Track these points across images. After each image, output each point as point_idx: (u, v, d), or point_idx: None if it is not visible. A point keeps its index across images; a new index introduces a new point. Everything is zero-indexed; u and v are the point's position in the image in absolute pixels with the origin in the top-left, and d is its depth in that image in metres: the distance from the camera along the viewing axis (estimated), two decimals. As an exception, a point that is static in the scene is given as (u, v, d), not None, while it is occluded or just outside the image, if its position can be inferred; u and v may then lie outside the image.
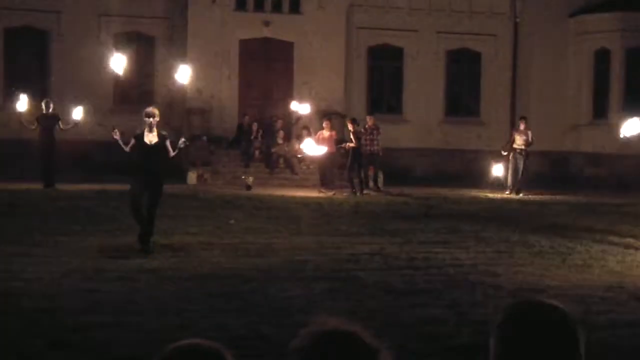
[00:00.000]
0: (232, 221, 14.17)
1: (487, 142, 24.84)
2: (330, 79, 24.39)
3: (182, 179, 21.27)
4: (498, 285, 9.37)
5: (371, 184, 21.01)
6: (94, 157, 22.46)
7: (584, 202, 19.20)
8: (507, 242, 12.80)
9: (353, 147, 20.31)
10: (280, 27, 24.45)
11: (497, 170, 21.48)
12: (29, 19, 23.78)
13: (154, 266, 10.03)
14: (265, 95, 24.67)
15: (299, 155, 21.60)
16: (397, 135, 23.98)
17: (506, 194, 20.50)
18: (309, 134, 20.67)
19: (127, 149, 11.11)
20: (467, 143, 25.52)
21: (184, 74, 14.95)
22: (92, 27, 23.99)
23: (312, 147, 19.50)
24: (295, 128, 22.97)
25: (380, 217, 15.78)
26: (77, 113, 18.78)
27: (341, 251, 11.56)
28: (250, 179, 20.71)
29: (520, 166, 20.79)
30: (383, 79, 26.22)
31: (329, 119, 20.95)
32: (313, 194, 19.90)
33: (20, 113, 18.80)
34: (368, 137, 20.88)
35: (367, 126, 21.06)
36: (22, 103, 18.66)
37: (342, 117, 22.81)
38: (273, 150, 22.66)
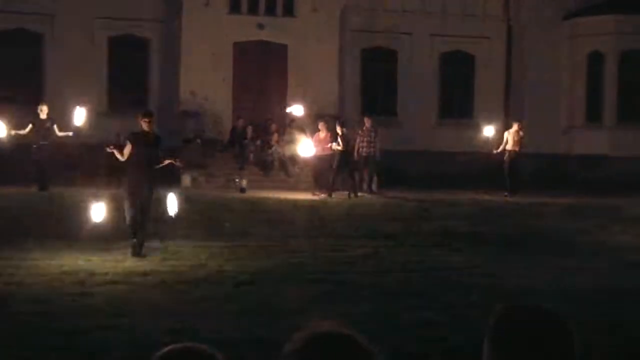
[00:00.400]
0: (226, 224, 14.16)
1: (481, 144, 24.85)
2: (324, 81, 24.40)
3: (176, 181, 21.21)
4: (492, 288, 9.37)
5: (365, 186, 20.96)
6: (87, 160, 22.39)
7: (577, 204, 19.22)
8: (501, 245, 12.81)
9: (340, 150, 20.14)
10: (274, 29, 24.45)
11: (491, 177, 21.36)
12: (22, 22, 23.72)
13: (147, 269, 10.01)
14: (259, 98, 24.66)
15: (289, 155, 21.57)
16: (391, 137, 23.97)
17: (504, 196, 20.43)
18: (306, 135, 20.63)
19: (122, 158, 11.08)
20: (461, 145, 25.54)
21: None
22: (87, 30, 23.95)
23: (308, 149, 19.48)
24: (288, 130, 22.95)
25: (375, 219, 15.77)
26: (79, 116, 18.02)
27: (336, 254, 11.56)
28: (244, 181, 20.68)
29: (515, 168, 20.74)
30: (377, 82, 26.22)
31: (325, 121, 20.92)
32: (307, 196, 19.87)
33: (9, 128, 18.33)
34: (365, 139, 20.82)
35: (364, 128, 21.01)
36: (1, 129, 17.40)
37: (336, 119, 22.80)
38: (267, 152, 22.65)
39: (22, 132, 18.60)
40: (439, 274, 10.27)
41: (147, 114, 11.20)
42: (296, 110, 20.61)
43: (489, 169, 21.87)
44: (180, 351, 1.75)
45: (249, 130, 23.11)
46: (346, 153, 20.23)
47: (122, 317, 7.56)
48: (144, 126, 11.08)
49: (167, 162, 11.33)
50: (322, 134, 20.33)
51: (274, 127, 23.02)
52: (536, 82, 26.27)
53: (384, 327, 7.22)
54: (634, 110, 25.63)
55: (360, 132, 21.00)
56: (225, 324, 7.41)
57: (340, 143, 20.02)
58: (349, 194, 20.05)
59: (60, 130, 18.78)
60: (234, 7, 24.27)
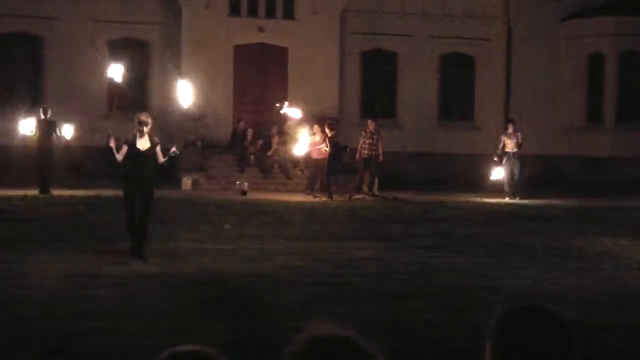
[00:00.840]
0: (227, 226, 14.17)
1: (481, 146, 24.87)
2: (325, 83, 24.43)
3: (177, 184, 21.26)
4: (493, 289, 9.38)
5: (365, 188, 20.97)
6: (88, 162, 22.43)
7: (578, 206, 19.24)
8: (502, 246, 12.82)
9: (328, 153, 20.16)
10: (275, 32, 24.48)
11: (497, 174, 21.29)
12: (23, 25, 23.77)
13: (149, 272, 10.03)
14: (259, 101, 24.69)
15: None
16: (391, 139, 23.99)
17: (506, 200, 20.39)
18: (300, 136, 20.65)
19: (119, 157, 11.12)
20: (461, 147, 25.55)
21: (185, 93, 14.15)
22: (87, 33, 23.99)
23: (301, 148, 19.60)
24: (283, 129, 22.91)
25: (376, 221, 15.79)
26: (67, 131, 18.65)
27: (336, 256, 11.57)
28: (245, 184, 20.71)
29: (516, 170, 20.70)
30: (377, 84, 26.25)
31: (319, 123, 20.94)
32: (308, 199, 19.89)
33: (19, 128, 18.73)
34: (367, 141, 20.83)
35: (367, 130, 21.02)
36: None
37: (337, 121, 22.82)
38: (268, 155, 22.68)
39: (28, 134, 18.64)
40: (440, 276, 10.28)
41: (142, 122, 11.21)
42: (291, 111, 20.62)
43: (489, 170, 21.86)
44: (185, 353, 1.77)
45: (250, 132, 23.14)
46: (334, 156, 20.22)
47: (125, 320, 7.58)
48: (140, 129, 11.13)
49: (165, 159, 11.34)
50: (317, 137, 20.35)
51: (274, 129, 23.04)
52: (536, 83, 26.30)
53: (385, 329, 7.23)
54: (634, 112, 25.66)
55: (363, 133, 21.01)
56: (226, 326, 7.43)
57: (328, 145, 20.02)
58: (349, 196, 20.09)
59: (61, 134, 18.84)
60: (234, 10, 24.31)
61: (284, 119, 21.79)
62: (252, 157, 22.93)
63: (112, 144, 11.28)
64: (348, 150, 21.69)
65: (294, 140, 20.19)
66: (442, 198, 20.16)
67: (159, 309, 8.09)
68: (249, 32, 24.32)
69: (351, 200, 19.77)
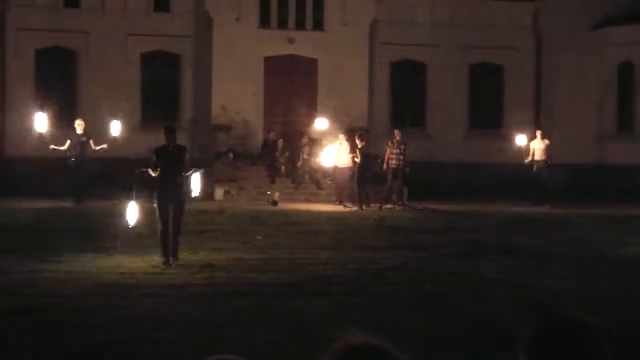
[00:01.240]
0: (259, 237, 14.27)
1: (510, 155, 24.75)
2: (354, 94, 24.50)
3: (209, 195, 21.43)
4: (524, 299, 9.36)
5: (395, 198, 20.98)
6: (122, 174, 22.68)
7: (610, 215, 19.07)
8: (532, 256, 12.78)
9: (359, 163, 20.28)
10: (304, 44, 24.63)
11: (522, 188, 21.22)
12: (58, 40, 24.18)
13: (181, 282, 10.14)
14: (290, 112, 24.84)
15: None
16: (420, 149, 23.99)
17: (535, 208, 20.30)
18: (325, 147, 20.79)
19: (155, 174, 11.34)
20: (490, 157, 25.45)
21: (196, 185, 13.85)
22: (120, 47, 24.33)
23: (329, 159, 19.73)
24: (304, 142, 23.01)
25: (405, 231, 15.80)
26: (115, 128, 18.88)
27: (366, 266, 11.61)
28: (277, 194, 20.83)
29: (545, 178, 20.59)
30: (406, 94, 26.27)
31: (346, 134, 21.04)
32: (338, 209, 19.96)
33: (46, 137, 18.92)
34: (395, 152, 20.87)
35: (394, 140, 21.06)
36: (42, 122, 18.64)
37: (366, 132, 22.88)
38: (298, 165, 22.79)
39: (61, 148, 19.01)
40: (470, 286, 10.28)
41: (168, 128, 11.57)
42: (321, 123, 20.75)
43: (520, 180, 21.78)
44: None
45: (280, 143, 23.26)
46: (364, 166, 20.32)
47: (157, 330, 7.68)
48: (167, 140, 11.41)
49: (189, 173, 11.60)
50: (342, 146, 20.47)
51: (305, 140, 23.15)
52: (566, 92, 26.13)
53: (415, 339, 7.27)
54: (666, 120, 25.41)
55: (390, 144, 21.05)
56: (257, 336, 7.50)
57: (359, 156, 20.16)
58: (380, 206, 20.12)
59: (96, 144, 19.16)
60: (265, 22, 24.50)
61: (314, 129, 21.94)
62: (283, 167, 23.05)
63: (144, 170, 11.52)
64: (379, 160, 21.76)
65: (322, 150, 20.33)
66: (471, 207, 20.11)
67: (191, 319, 8.18)
68: (279, 44, 24.49)
69: (381, 210, 19.81)
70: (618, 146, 25.81)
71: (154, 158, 11.41)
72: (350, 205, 20.15)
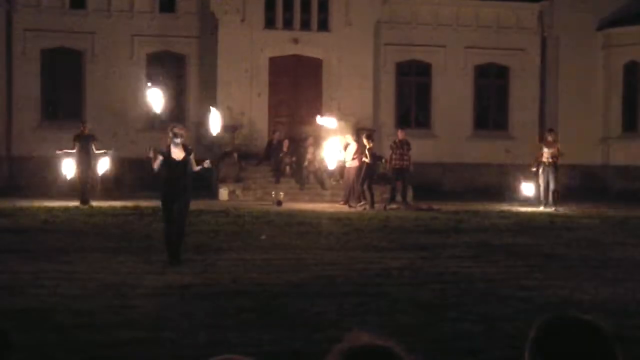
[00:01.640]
0: (263, 237, 14.28)
1: (515, 156, 24.77)
2: (359, 95, 24.51)
3: (214, 195, 21.46)
4: (529, 299, 9.35)
5: (399, 198, 21.00)
6: (127, 174, 22.76)
7: (614, 215, 19.05)
8: (537, 256, 12.76)
9: (366, 163, 20.32)
10: (309, 44, 24.65)
11: (527, 189, 21.24)
12: (64, 40, 24.26)
13: (186, 282, 10.15)
14: (294, 112, 24.86)
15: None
16: (425, 150, 24.00)
17: (541, 209, 20.25)
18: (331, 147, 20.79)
19: (155, 166, 11.39)
20: (495, 157, 25.46)
21: (215, 122, 14.00)
22: (126, 47, 24.39)
23: (332, 161, 19.74)
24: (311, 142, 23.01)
25: (410, 231, 15.80)
26: (103, 165, 19.34)
27: (371, 266, 11.60)
28: (281, 194, 20.86)
29: (552, 180, 20.53)
30: (411, 95, 26.30)
31: (354, 133, 21.06)
32: (343, 209, 19.97)
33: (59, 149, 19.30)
34: (398, 152, 20.87)
35: (397, 140, 21.08)
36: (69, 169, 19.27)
37: (372, 132, 22.91)
38: (303, 165, 22.80)
39: (70, 150, 19.11)
40: (475, 286, 10.27)
41: (177, 135, 11.50)
42: (328, 122, 20.74)
43: (525, 180, 21.75)
44: None
45: (285, 143, 23.29)
46: (372, 166, 20.36)
47: (162, 330, 7.69)
48: (174, 140, 11.40)
49: (198, 168, 11.64)
50: (350, 146, 20.50)
51: (309, 140, 23.16)
52: (571, 93, 26.13)
53: (420, 339, 7.27)
54: (671, 120, 25.38)
55: (392, 144, 21.06)
56: (261, 336, 7.50)
57: (368, 156, 20.20)
58: (384, 206, 20.13)
59: (97, 148, 19.25)
60: (270, 22, 24.53)
61: (318, 129, 21.93)
62: (287, 167, 23.07)
63: (152, 154, 11.54)
64: (383, 160, 21.77)
65: (327, 150, 20.35)
66: (476, 208, 20.10)
67: (195, 319, 8.18)
68: (284, 44, 24.51)
69: (386, 210, 19.81)
70: (623, 146, 25.78)
71: (159, 158, 11.40)
72: (354, 205, 20.16)
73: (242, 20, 24.26)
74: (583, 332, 1.92)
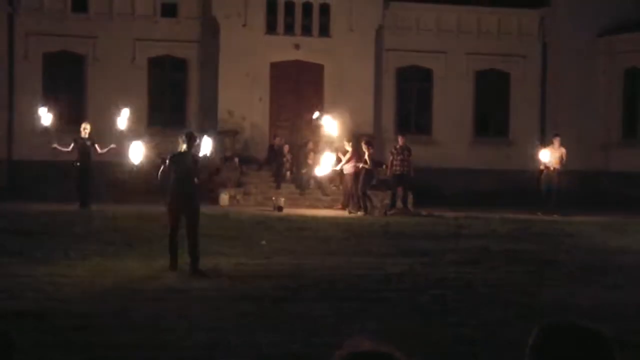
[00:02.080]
0: (263, 242, 14.28)
1: (515, 162, 24.77)
2: (360, 100, 24.53)
3: (214, 200, 21.46)
4: (529, 305, 9.35)
5: (399, 204, 20.99)
6: (128, 178, 22.75)
7: (614, 221, 19.04)
8: (537, 262, 12.76)
9: (366, 169, 20.33)
10: (311, 49, 24.67)
11: (528, 195, 21.21)
12: (66, 44, 24.29)
13: (185, 287, 10.15)
14: (295, 117, 24.88)
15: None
16: (426, 155, 24.01)
17: (539, 215, 20.22)
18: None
19: (158, 175, 11.31)
20: (496, 163, 25.47)
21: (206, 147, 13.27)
22: (127, 51, 24.42)
23: (325, 168, 19.73)
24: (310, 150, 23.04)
25: (410, 237, 15.80)
26: (122, 121, 18.32)
27: (371, 271, 11.60)
28: (281, 200, 20.85)
29: (555, 185, 20.49)
30: (412, 100, 26.31)
31: (349, 140, 21.10)
32: (344, 214, 19.97)
33: (52, 134, 19.04)
34: (398, 158, 20.87)
35: (397, 146, 21.09)
36: (46, 118, 18.85)
37: (372, 138, 22.93)
38: (304, 171, 22.81)
39: (64, 148, 19.06)
40: (475, 292, 10.27)
41: (192, 138, 11.45)
42: (325, 122, 20.74)
43: (525, 186, 21.75)
44: None
45: (286, 148, 23.30)
46: (371, 172, 20.38)
47: (162, 334, 7.69)
48: (188, 145, 11.32)
49: (206, 175, 11.59)
50: (346, 152, 20.57)
51: (310, 145, 23.18)
52: (571, 99, 26.12)
53: (420, 345, 7.27)
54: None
55: (393, 150, 21.06)
56: (261, 340, 7.50)
57: (368, 162, 20.22)
58: (384, 212, 20.13)
59: (102, 147, 19.22)
60: (271, 28, 24.56)
61: (318, 134, 21.92)
62: (288, 173, 23.08)
63: (161, 162, 11.43)
64: (384, 166, 21.77)
65: (324, 157, 20.38)
66: (477, 214, 20.08)
67: (195, 323, 8.18)
68: (285, 49, 24.54)
69: (386, 216, 19.81)
70: (623, 153, 25.77)
71: (166, 164, 11.31)
72: (353, 211, 20.16)
73: (244, 25, 24.29)
74: (583, 338, 1.92)
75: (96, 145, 19.25)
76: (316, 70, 24.87)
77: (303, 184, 22.71)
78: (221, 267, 11.63)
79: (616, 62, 26.14)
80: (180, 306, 9.01)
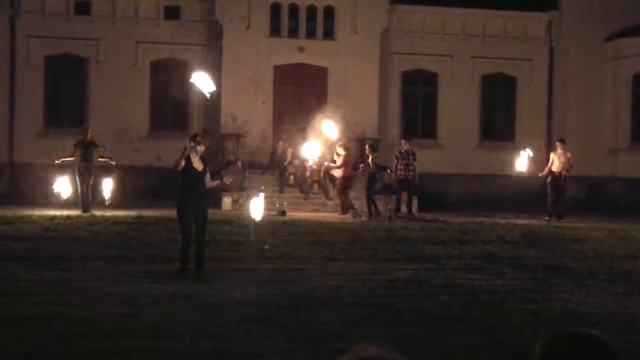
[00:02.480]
0: (266, 246, 14.18)
1: (522, 167, 24.60)
2: (365, 104, 24.44)
3: (217, 204, 21.36)
4: (535, 312, 9.24)
5: (404, 209, 20.89)
6: (130, 182, 22.67)
7: (622, 228, 18.91)
8: (544, 269, 12.64)
9: (370, 173, 20.30)
10: (315, 52, 24.60)
11: (532, 200, 21.08)
12: (69, 47, 24.24)
13: (188, 292, 10.06)
14: (299, 121, 24.77)
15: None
16: (431, 160, 23.90)
17: (545, 220, 20.08)
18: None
19: (178, 168, 11.00)
20: (502, 168, 25.34)
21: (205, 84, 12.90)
22: (130, 54, 24.37)
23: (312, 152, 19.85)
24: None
25: (415, 242, 15.68)
26: (107, 186, 19.07)
27: (376, 277, 11.50)
28: (285, 204, 20.75)
29: (561, 191, 20.31)
30: (417, 104, 26.21)
31: (341, 144, 21.04)
32: (347, 219, 19.87)
33: (57, 156, 19.13)
34: (403, 162, 20.77)
35: (402, 150, 20.97)
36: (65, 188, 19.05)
37: (377, 142, 22.84)
38: (307, 175, 22.70)
39: (69, 158, 19.02)
40: (481, 298, 10.15)
41: (200, 142, 11.17)
42: (329, 129, 20.75)
43: (531, 192, 21.61)
44: None
45: (289, 152, 23.20)
46: (374, 176, 20.35)
47: (165, 340, 7.59)
48: (198, 149, 11.09)
49: (215, 183, 11.42)
50: (340, 156, 20.56)
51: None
52: (579, 103, 26.02)
53: (425, 352, 7.15)
54: (680, 132, 25.26)
55: (398, 154, 20.96)
56: (265, 347, 7.40)
57: (371, 165, 20.19)
58: (389, 217, 20.02)
59: (100, 157, 19.16)
60: (275, 30, 24.49)
61: (323, 138, 21.85)
62: (291, 177, 22.98)
63: (183, 153, 11.05)
64: (388, 170, 21.67)
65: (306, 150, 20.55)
66: (482, 219, 19.98)
67: (199, 329, 8.09)
68: (289, 52, 24.47)
69: (390, 221, 19.70)
70: (631, 158, 25.64)
71: (182, 164, 11.08)
72: (358, 215, 20.06)
73: (247, 28, 24.23)
74: (590, 347, 1.88)
75: (95, 151, 19.11)
76: (320, 74, 24.79)
77: (307, 188, 22.61)
78: (224, 272, 11.53)
79: (624, 66, 26.02)
80: (183, 312, 8.91)
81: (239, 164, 23.17)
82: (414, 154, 20.89)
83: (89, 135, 19.26)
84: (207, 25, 24.63)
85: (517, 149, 24.14)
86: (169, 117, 24.65)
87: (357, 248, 14.60)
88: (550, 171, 20.39)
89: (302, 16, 24.57)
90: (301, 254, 13.56)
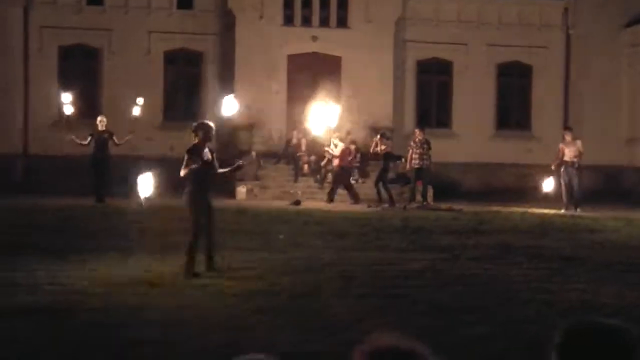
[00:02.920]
0: (280, 236, 14.15)
1: (538, 156, 24.46)
2: (379, 93, 24.33)
3: (231, 193, 21.35)
4: (551, 303, 9.16)
5: (419, 198, 20.80)
6: (143, 172, 22.66)
7: (639, 218, 18.74)
8: (559, 259, 12.54)
9: (384, 159, 20.54)
10: (328, 41, 24.50)
11: (548, 185, 20.92)
12: (81, 37, 24.26)
13: (202, 283, 10.04)
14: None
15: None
16: (446, 149, 23.78)
17: (562, 212, 19.81)
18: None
19: (182, 172, 10.82)
20: (517, 157, 25.19)
21: (230, 107, 13.07)
22: (143, 44, 24.36)
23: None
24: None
25: (430, 232, 15.61)
26: (137, 109, 19.28)
27: (390, 267, 11.44)
28: (299, 193, 20.73)
29: (575, 180, 20.02)
30: (432, 93, 26.07)
31: (337, 135, 21.07)
32: (362, 208, 19.81)
33: (72, 124, 19.17)
34: (417, 151, 20.65)
35: (417, 139, 20.85)
36: (67, 107, 19.35)
37: (391, 131, 22.76)
38: (321, 164, 22.66)
39: (82, 142, 19.05)
40: (496, 289, 10.08)
41: (200, 125, 11.01)
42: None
43: (542, 182, 21.44)
44: None
45: (303, 142, 23.16)
46: (386, 165, 20.46)
47: (179, 330, 7.57)
48: (197, 139, 10.96)
49: (227, 169, 11.22)
50: (337, 148, 20.72)
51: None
52: (596, 92, 25.78)
53: (440, 342, 7.08)
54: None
55: (412, 144, 20.85)
56: (279, 337, 7.37)
57: (379, 154, 20.47)
58: (403, 206, 19.95)
59: (119, 139, 19.18)
60: (288, 20, 24.41)
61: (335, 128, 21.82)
62: (305, 166, 22.94)
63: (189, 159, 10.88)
64: (402, 160, 21.58)
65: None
66: (497, 209, 19.87)
67: (212, 319, 8.08)
68: (302, 41, 24.38)
69: (405, 211, 19.62)
70: (648, 147, 25.41)
71: (187, 156, 10.89)
72: (373, 204, 20.01)
73: (261, 17, 24.15)
74: (609, 337, 1.86)
75: (114, 138, 19.19)
76: (334, 63, 24.69)
77: (321, 178, 22.57)
78: (237, 262, 11.50)
79: (642, 53, 25.74)
80: (197, 302, 8.89)
81: (253, 153, 23.15)
82: (428, 143, 20.76)
83: (99, 126, 19.26)
84: (220, 15, 24.58)
85: (532, 137, 24.03)
86: (182, 107, 24.63)
87: (372, 238, 14.56)
88: (563, 162, 20.01)
89: (316, 5, 24.46)
90: (315, 244, 13.52)
